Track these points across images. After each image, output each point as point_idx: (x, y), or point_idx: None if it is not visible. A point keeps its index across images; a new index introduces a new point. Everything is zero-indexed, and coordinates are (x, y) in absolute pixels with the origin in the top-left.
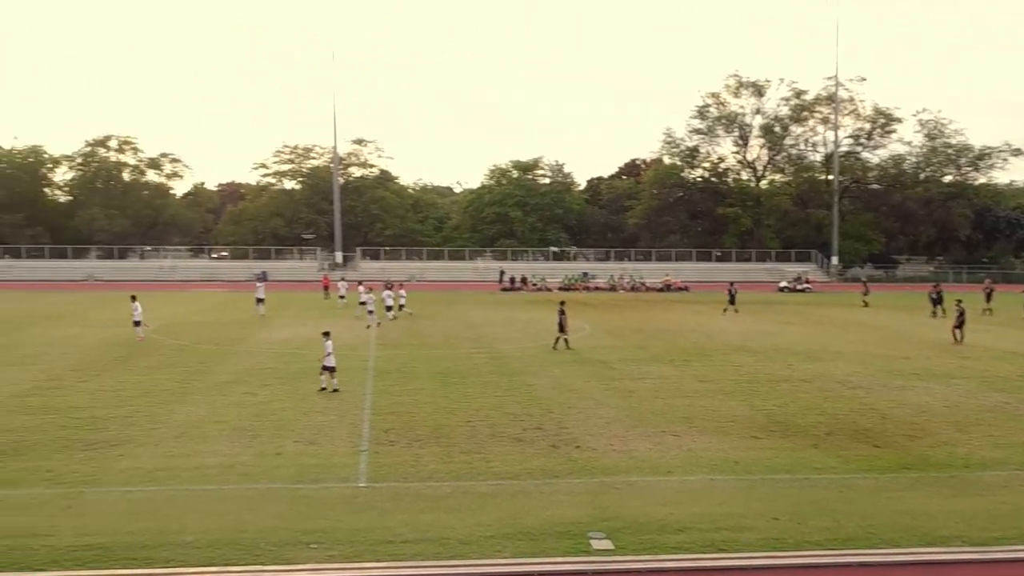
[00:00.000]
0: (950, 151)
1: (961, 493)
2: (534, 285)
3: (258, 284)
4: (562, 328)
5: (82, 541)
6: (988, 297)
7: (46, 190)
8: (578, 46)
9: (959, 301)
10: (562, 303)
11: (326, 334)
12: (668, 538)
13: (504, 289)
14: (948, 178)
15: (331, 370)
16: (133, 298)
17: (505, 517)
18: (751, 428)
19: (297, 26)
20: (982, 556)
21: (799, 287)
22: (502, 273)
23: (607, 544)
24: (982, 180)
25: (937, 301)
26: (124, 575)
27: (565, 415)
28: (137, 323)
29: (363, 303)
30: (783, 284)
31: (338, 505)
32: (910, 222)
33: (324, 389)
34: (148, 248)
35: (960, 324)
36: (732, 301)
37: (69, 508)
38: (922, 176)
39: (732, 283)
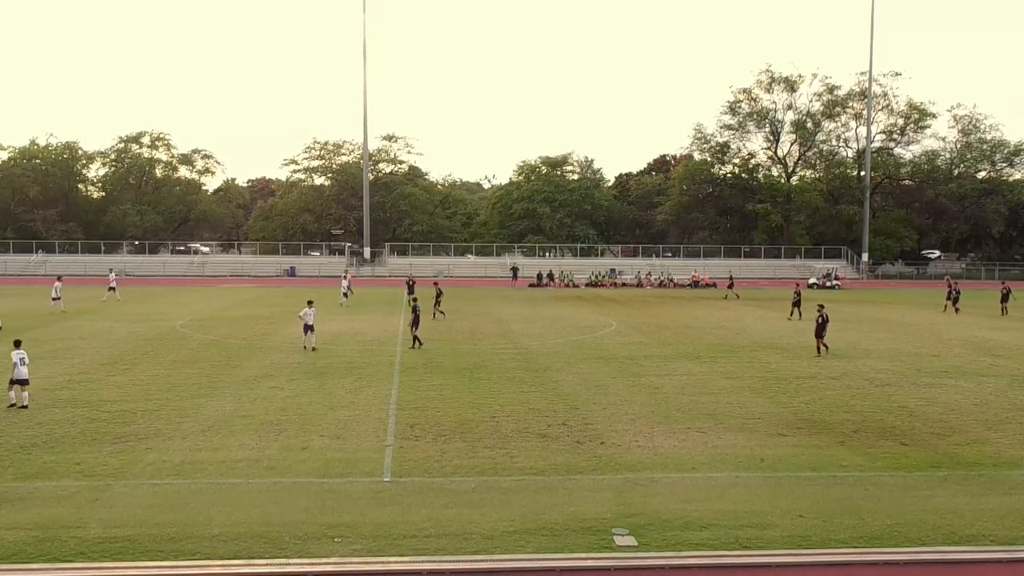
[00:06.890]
0: (984, 147)
1: (989, 492)
2: (562, 281)
3: (56, 283)
4: (415, 324)
5: (110, 533)
6: (1005, 297)
7: (80, 186)
8: (609, 41)
9: (821, 307)
10: (415, 299)
11: (17, 343)
12: (692, 535)
13: (531, 285)
14: (982, 174)
15: (22, 383)
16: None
17: (528, 513)
18: (777, 425)
19: (329, 21)
20: (1010, 555)
21: (828, 284)
22: (514, 270)
23: (630, 540)
24: (1017, 176)
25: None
26: (151, 567)
27: (590, 411)
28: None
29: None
30: (812, 280)
31: (362, 500)
32: (942, 219)
33: (13, 405)
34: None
35: (821, 332)
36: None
37: (97, 500)
38: (955, 172)
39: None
